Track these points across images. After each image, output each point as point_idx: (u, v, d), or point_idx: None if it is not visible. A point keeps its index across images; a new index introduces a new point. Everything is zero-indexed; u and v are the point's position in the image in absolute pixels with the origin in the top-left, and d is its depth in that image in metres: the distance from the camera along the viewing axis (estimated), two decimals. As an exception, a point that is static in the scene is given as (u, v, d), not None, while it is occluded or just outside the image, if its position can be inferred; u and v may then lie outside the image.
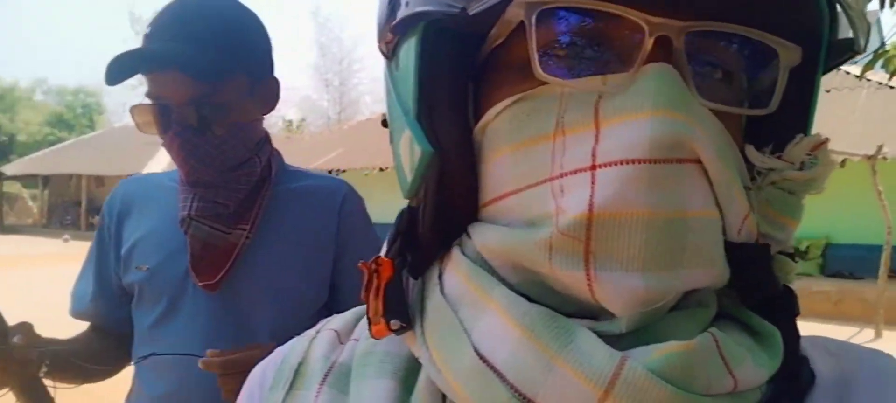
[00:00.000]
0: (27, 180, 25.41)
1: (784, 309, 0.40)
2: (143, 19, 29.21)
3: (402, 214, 0.43)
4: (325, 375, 0.46)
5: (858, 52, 0.41)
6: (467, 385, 0.36)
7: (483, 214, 0.40)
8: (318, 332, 0.51)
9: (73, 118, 37.66)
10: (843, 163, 7.93)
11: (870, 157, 7.39)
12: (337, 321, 0.51)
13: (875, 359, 0.41)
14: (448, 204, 0.40)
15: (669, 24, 0.35)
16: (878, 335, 7.28)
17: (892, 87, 8.42)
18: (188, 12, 1.07)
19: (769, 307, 0.39)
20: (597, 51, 0.37)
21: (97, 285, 1.23)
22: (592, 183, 0.33)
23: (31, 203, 26.94)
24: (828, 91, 9.13)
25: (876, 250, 7.78)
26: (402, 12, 0.41)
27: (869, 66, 3.02)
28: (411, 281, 0.42)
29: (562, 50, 0.37)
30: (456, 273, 0.39)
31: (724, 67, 0.38)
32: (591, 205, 0.33)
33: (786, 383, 0.38)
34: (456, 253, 0.40)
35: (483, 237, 0.39)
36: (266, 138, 1.19)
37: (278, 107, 1.20)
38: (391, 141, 0.44)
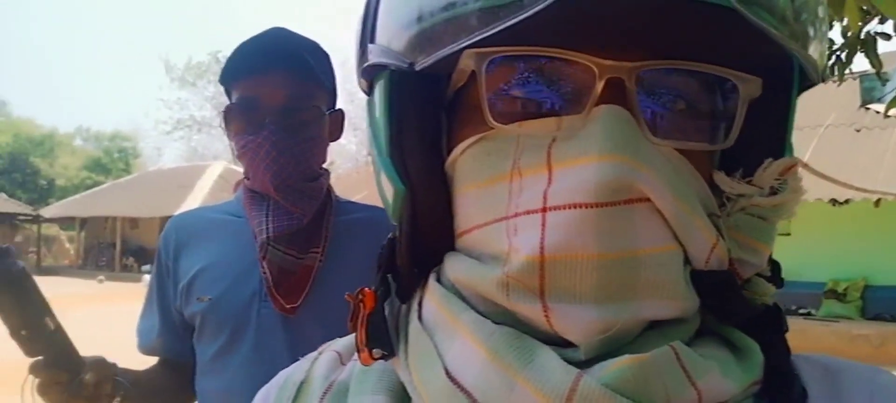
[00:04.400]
0: (65, 222, 26.02)
1: (769, 327, 0.41)
2: (177, 67, 30.11)
3: (383, 247, 0.45)
4: (325, 392, 0.47)
5: (814, 83, 0.41)
6: None
7: (458, 244, 0.41)
8: (320, 353, 0.52)
9: (111, 162, 38.63)
10: (877, 203, 7.75)
11: (905, 196, 7.21)
12: (340, 343, 0.53)
13: (874, 377, 0.41)
14: (422, 235, 0.41)
15: (619, 66, 0.36)
16: (921, 380, 6.99)
17: (926, 125, 8.26)
18: (271, 40, 1.17)
19: (754, 326, 0.40)
20: (550, 94, 0.38)
21: (161, 320, 1.27)
22: (543, 226, 0.34)
23: (68, 245, 27.55)
24: (858, 130, 8.98)
25: (916, 291, 7.53)
26: (368, 61, 0.44)
27: (894, 104, 2.98)
28: (401, 306, 0.44)
29: (515, 95, 0.39)
30: (431, 300, 0.41)
31: (687, 99, 0.39)
32: (542, 248, 0.34)
33: (774, 399, 0.39)
34: (432, 281, 0.42)
35: (454, 268, 0.40)
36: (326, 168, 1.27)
37: None
38: (376, 177, 0.45)
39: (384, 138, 0.42)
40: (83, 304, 13.12)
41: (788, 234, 9.67)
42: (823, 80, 0.42)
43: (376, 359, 0.42)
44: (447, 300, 0.40)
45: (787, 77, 0.40)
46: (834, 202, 8.56)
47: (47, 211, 24.39)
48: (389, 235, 0.45)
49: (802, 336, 8.54)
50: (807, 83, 0.42)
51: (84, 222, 23.92)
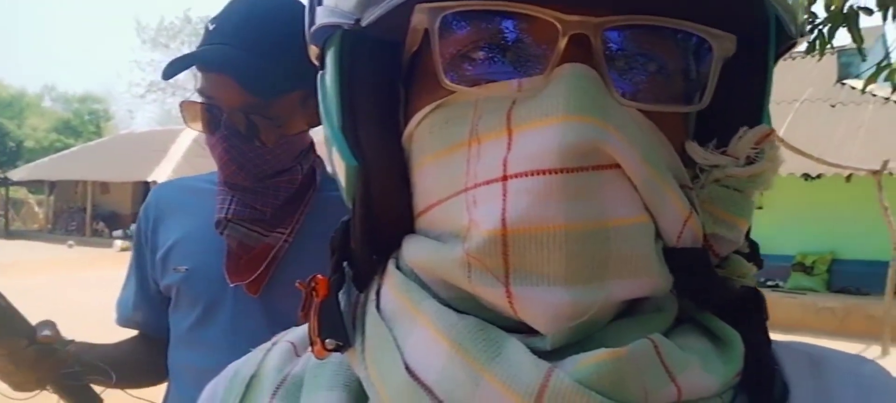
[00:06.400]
0: (33, 186, 25.51)
1: (750, 312, 0.38)
2: (149, 27, 29.43)
3: (336, 230, 0.42)
4: (277, 387, 0.44)
5: (793, 39, 0.39)
6: (398, 401, 0.35)
7: (417, 225, 0.39)
8: (274, 344, 0.49)
9: (81, 124, 37.84)
10: (848, 178, 7.90)
11: (875, 172, 7.36)
12: (295, 333, 0.49)
13: (857, 367, 0.39)
14: (378, 217, 0.39)
15: (585, 22, 0.33)
16: (884, 352, 7.22)
17: (898, 103, 8.41)
18: (256, 19, 1.06)
19: (734, 310, 0.37)
20: (511, 53, 0.35)
21: (138, 292, 1.24)
22: (504, 195, 0.32)
23: (37, 209, 27.04)
24: (833, 105, 9.12)
25: (882, 266, 7.74)
26: (314, 26, 0.41)
27: (872, 80, 3.01)
28: (359, 295, 0.41)
29: (472, 55, 0.36)
30: (390, 288, 0.38)
31: (657, 59, 0.36)
32: (503, 221, 0.31)
33: (754, 393, 0.36)
34: (391, 267, 0.39)
35: (412, 252, 0.38)
36: (310, 146, 1.19)
37: None
38: (329, 155, 0.42)
39: (335, 109, 0.39)
40: (53, 269, 12.93)
41: (761, 207, 9.85)
42: (802, 34, 0.40)
43: (330, 351, 0.39)
44: (406, 287, 0.37)
45: (764, 38, 0.37)
46: (806, 176, 8.72)
47: (15, 174, 23.86)
48: (343, 218, 0.42)
49: (771, 308, 8.65)
50: (784, 47, 0.39)
51: (53, 186, 23.47)
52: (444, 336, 0.33)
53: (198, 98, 1.11)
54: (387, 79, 0.39)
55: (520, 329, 0.33)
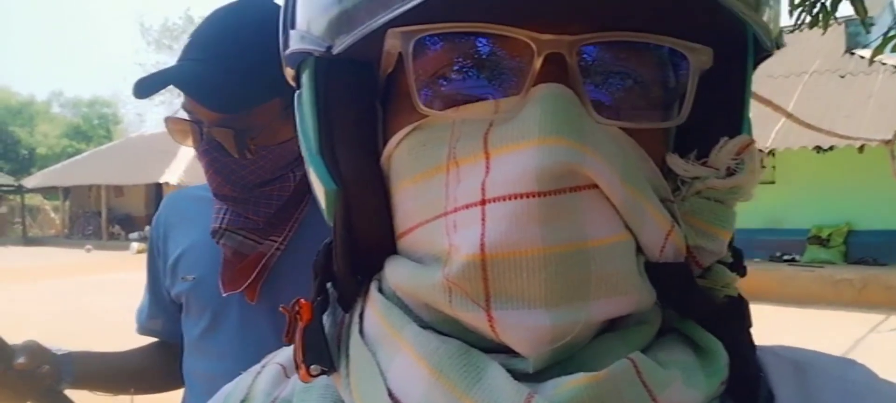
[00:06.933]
0: (48, 192, 25.73)
1: (733, 320, 0.38)
2: (153, 29, 29.44)
3: (319, 253, 0.42)
4: None
5: (767, 51, 0.39)
6: None
7: (399, 246, 0.38)
8: (263, 367, 0.49)
9: (91, 129, 38.09)
10: (861, 149, 7.83)
11: (887, 142, 7.29)
12: (283, 355, 0.49)
13: (844, 372, 0.39)
14: (359, 238, 0.38)
15: (559, 40, 0.33)
16: (902, 321, 7.17)
17: (909, 70, 8.31)
18: (229, 31, 1.05)
19: (717, 318, 0.37)
20: (486, 70, 0.35)
21: (153, 301, 1.27)
22: (483, 220, 0.32)
23: (53, 214, 27.30)
24: (843, 76, 9.00)
25: (898, 235, 7.66)
26: (288, 50, 0.41)
27: (879, 50, 2.97)
28: (344, 316, 0.41)
29: (448, 74, 0.35)
30: (373, 312, 0.38)
31: (634, 76, 0.36)
32: (482, 246, 0.31)
33: (739, 401, 0.36)
34: (373, 290, 0.39)
35: (394, 274, 0.37)
36: None
37: None
38: (310, 178, 0.42)
39: (313, 133, 0.39)
40: (73, 274, 13.06)
41: (773, 182, 9.77)
42: (779, 46, 0.40)
43: (315, 376, 0.39)
44: (388, 311, 0.37)
45: (742, 49, 0.37)
46: (818, 149, 8.64)
47: (30, 181, 24.06)
48: (326, 240, 0.42)
49: (787, 282, 8.69)
50: (762, 54, 0.39)
51: (68, 191, 23.66)
52: (424, 363, 0.33)
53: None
54: (364, 100, 0.39)
55: (502, 349, 0.33)
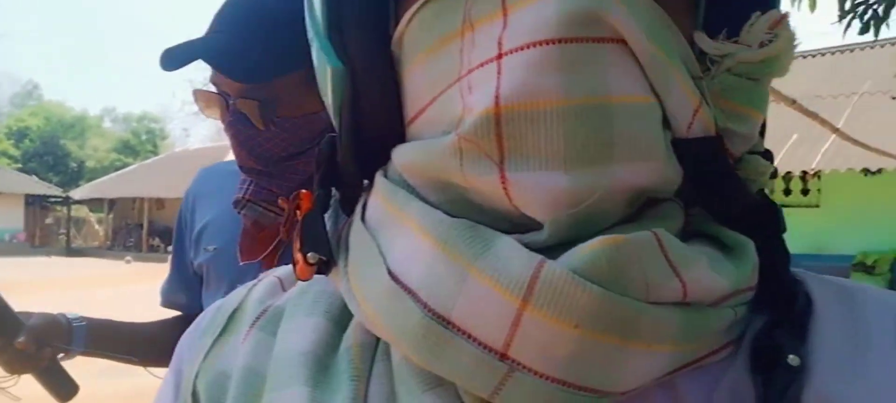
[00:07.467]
0: (94, 204, 26.55)
1: (765, 221, 0.36)
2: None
3: (324, 142, 0.40)
4: (257, 318, 0.42)
5: None
6: (380, 308, 0.33)
7: (408, 134, 0.36)
8: (259, 280, 0.48)
9: (138, 143, 39.27)
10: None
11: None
12: (284, 269, 0.48)
13: (889, 299, 0.36)
14: (366, 126, 0.36)
15: None
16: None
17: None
18: (250, 5, 1.06)
19: (747, 223, 0.35)
20: None
21: (178, 273, 1.29)
22: (498, 73, 0.29)
23: (97, 226, 28.13)
24: (894, 97, 8.74)
25: (951, 264, 7.36)
26: None
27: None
28: (346, 219, 0.39)
29: None
30: (376, 198, 0.36)
31: None
32: (497, 98, 0.29)
33: (772, 307, 0.34)
34: (379, 177, 0.37)
35: (403, 156, 0.35)
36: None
37: None
38: (314, 66, 0.40)
39: (320, 11, 0.37)
40: (111, 285, 13.42)
41: (817, 206, 9.51)
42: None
43: (313, 266, 0.37)
44: (393, 194, 0.35)
45: None
46: (866, 171, 8.38)
47: (77, 193, 24.92)
48: (330, 133, 0.40)
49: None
50: None
51: (112, 203, 24.38)
52: (428, 235, 0.32)
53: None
54: None
55: (516, 232, 0.31)
